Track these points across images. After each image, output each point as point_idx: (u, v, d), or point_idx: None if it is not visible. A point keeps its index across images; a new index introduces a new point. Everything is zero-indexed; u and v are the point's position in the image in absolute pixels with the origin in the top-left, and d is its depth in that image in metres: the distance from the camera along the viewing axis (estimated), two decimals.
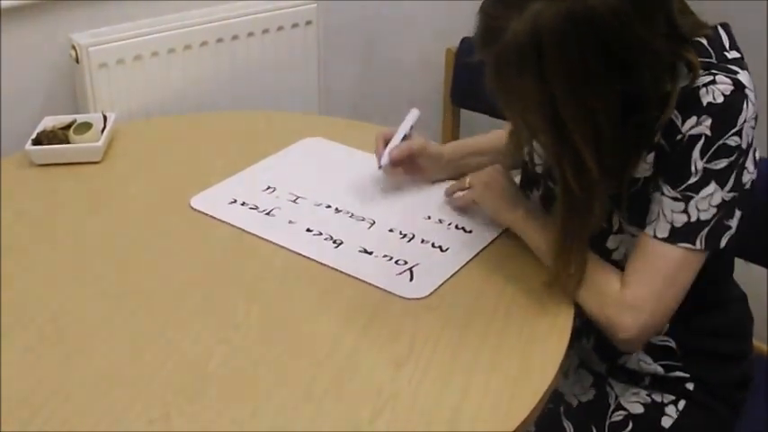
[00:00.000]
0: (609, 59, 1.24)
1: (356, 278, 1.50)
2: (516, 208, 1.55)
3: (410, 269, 1.52)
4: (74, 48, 2.19)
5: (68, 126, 1.95)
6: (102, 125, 1.97)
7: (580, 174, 1.32)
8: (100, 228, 1.67)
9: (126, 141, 2.00)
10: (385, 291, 1.47)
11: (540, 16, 1.22)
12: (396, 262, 1.54)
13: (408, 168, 1.79)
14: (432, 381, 1.29)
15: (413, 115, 1.82)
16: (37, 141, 1.91)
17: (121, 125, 2.05)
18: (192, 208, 1.72)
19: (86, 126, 1.94)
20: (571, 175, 1.33)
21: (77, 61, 2.19)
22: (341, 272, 1.52)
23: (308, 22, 2.53)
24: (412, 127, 1.80)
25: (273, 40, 2.49)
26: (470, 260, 1.55)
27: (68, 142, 1.92)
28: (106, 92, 2.23)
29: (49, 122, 1.98)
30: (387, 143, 1.77)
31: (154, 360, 1.33)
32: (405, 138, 1.77)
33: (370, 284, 1.49)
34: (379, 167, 1.74)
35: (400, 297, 1.45)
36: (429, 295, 1.46)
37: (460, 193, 1.69)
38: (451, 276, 1.51)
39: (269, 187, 1.78)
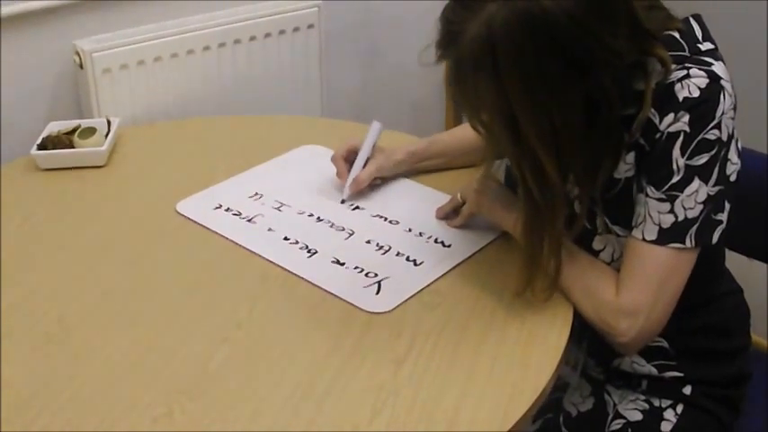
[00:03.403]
0: (564, 61, 1.23)
1: (322, 289, 1.49)
2: (511, 211, 1.50)
3: (379, 282, 1.51)
4: (78, 53, 2.21)
5: (73, 131, 1.97)
6: (107, 130, 1.98)
7: (539, 177, 1.31)
8: (104, 230, 1.69)
9: (130, 146, 2.01)
10: (348, 303, 1.46)
11: (494, 18, 1.21)
12: (366, 274, 1.53)
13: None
14: (431, 379, 1.30)
15: (374, 132, 1.81)
16: (42, 146, 1.93)
17: (125, 130, 2.07)
18: (178, 212, 1.73)
19: (91, 131, 1.96)
20: (531, 179, 1.32)
21: (81, 67, 2.21)
22: (309, 282, 1.51)
23: (310, 26, 2.54)
24: (374, 144, 1.80)
25: (276, 44, 2.50)
26: (442, 275, 1.53)
27: (73, 147, 1.93)
28: (110, 97, 2.24)
29: (54, 127, 2.00)
30: (346, 158, 1.79)
31: (157, 359, 1.34)
32: (367, 158, 1.79)
33: (335, 296, 1.48)
34: (342, 202, 1.76)
35: (363, 310, 1.45)
36: (392, 310, 1.45)
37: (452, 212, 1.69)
38: (419, 291, 1.49)
39: (256, 194, 1.79)
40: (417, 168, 1.85)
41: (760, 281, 1.88)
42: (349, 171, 1.78)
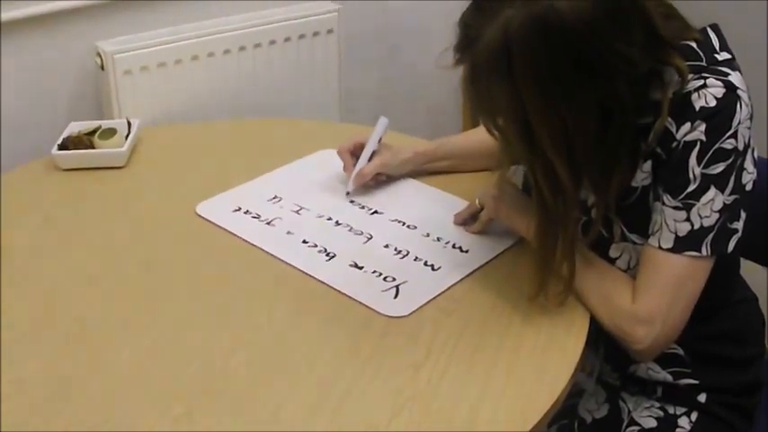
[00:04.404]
0: (578, 67, 1.25)
1: (340, 292, 1.50)
2: (528, 217, 1.48)
3: (397, 286, 1.52)
4: (99, 55, 2.23)
5: (94, 132, 1.98)
6: (127, 131, 1.99)
7: (552, 180, 1.33)
8: (124, 231, 1.70)
9: (149, 147, 2.03)
10: (367, 307, 1.47)
11: (510, 23, 1.23)
12: (384, 278, 1.54)
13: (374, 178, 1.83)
14: (449, 383, 1.31)
15: (381, 127, 1.84)
16: (63, 146, 1.94)
17: (145, 131, 2.08)
18: (197, 214, 1.74)
19: (111, 132, 1.97)
20: (543, 182, 1.34)
21: (103, 68, 2.22)
22: (327, 285, 1.52)
23: (329, 31, 2.56)
24: (380, 139, 1.84)
25: (295, 48, 2.51)
26: (460, 281, 1.54)
27: (93, 147, 1.95)
28: (131, 98, 2.26)
29: (75, 128, 2.01)
30: (353, 153, 1.83)
31: (176, 360, 1.36)
32: (373, 153, 1.82)
33: (353, 299, 1.49)
34: (347, 194, 1.79)
35: (381, 314, 1.45)
36: (410, 315, 1.46)
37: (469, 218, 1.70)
38: (437, 296, 1.50)
39: (275, 197, 1.80)
40: (425, 169, 1.87)
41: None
42: (355, 165, 1.81)
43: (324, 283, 1.53)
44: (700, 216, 1.35)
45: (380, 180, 1.84)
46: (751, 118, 1.36)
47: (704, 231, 1.36)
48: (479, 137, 1.76)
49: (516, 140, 1.35)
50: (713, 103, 1.32)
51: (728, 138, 1.32)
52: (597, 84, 1.27)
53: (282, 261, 1.59)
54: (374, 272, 1.56)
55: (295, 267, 1.57)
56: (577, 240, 1.42)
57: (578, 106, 1.28)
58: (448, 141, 1.90)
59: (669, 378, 1.56)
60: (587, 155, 1.32)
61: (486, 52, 1.27)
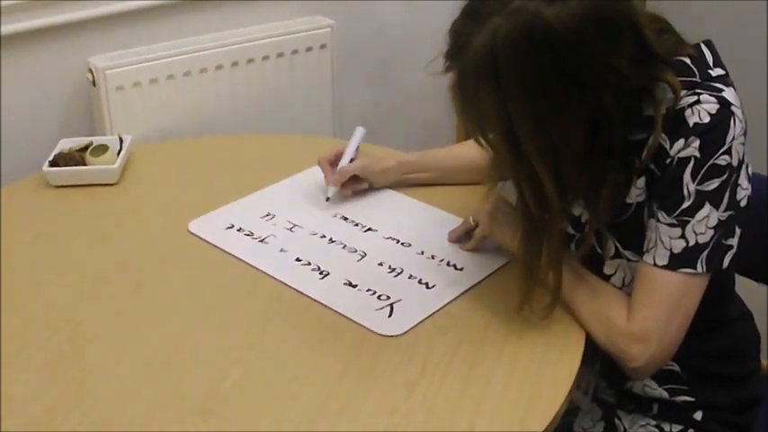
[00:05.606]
0: (564, 76, 1.25)
1: (334, 311, 1.49)
2: None
3: (391, 305, 1.51)
4: (91, 71, 2.22)
5: (85, 148, 1.97)
6: (119, 147, 1.99)
7: (536, 191, 1.32)
8: (115, 249, 1.69)
9: (141, 163, 2.02)
10: (361, 325, 1.46)
11: (497, 30, 1.24)
12: (378, 297, 1.53)
13: (353, 184, 1.84)
14: (444, 403, 1.30)
15: (358, 134, 1.87)
16: (54, 163, 1.93)
17: (137, 147, 2.07)
18: (190, 232, 1.73)
19: (103, 148, 1.96)
20: (528, 192, 1.34)
21: (94, 84, 2.22)
22: (321, 303, 1.51)
23: (323, 46, 2.55)
24: (357, 148, 1.85)
25: (288, 64, 2.51)
26: (454, 299, 1.53)
27: (85, 164, 1.94)
28: (122, 114, 2.25)
29: (66, 144, 2.00)
30: (333, 163, 1.84)
31: (170, 380, 1.35)
32: (351, 160, 1.84)
33: (347, 318, 1.48)
34: (327, 199, 1.81)
35: (375, 333, 1.45)
36: (404, 333, 1.45)
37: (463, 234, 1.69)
38: (432, 314, 1.49)
39: (268, 214, 1.79)
40: (407, 180, 1.88)
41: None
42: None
43: (317, 301, 1.52)
44: (695, 233, 1.35)
45: (362, 188, 1.85)
46: (745, 134, 1.36)
47: (699, 248, 1.35)
48: (462, 151, 1.77)
49: (502, 150, 1.35)
50: (707, 119, 1.32)
51: (723, 154, 1.32)
52: (584, 94, 1.27)
53: (276, 279, 1.58)
54: (368, 290, 1.55)
55: (288, 285, 1.56)
56: (564, 251, 1.42)
57: (564, 117, 1.28)
58: (432, 153, 1.90)
59: (665, 395, 1.56)
60: (574, 167, 1.32)
61: (473, 59, 1.27)
